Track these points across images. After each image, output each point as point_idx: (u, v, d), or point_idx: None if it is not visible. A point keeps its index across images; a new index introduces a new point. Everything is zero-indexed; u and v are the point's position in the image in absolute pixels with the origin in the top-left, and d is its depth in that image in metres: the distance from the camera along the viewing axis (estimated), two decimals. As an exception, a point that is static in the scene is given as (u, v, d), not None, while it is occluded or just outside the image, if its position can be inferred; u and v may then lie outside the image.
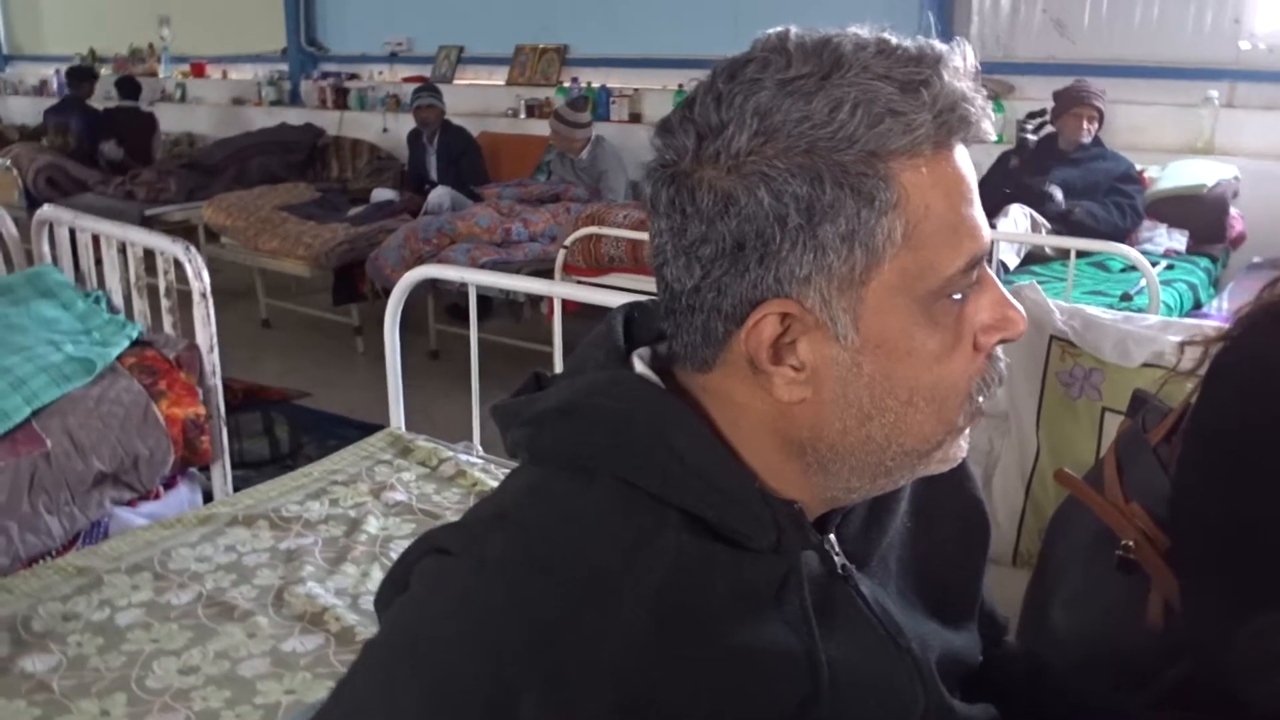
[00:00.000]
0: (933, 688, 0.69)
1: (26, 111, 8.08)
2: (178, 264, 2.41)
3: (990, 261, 3.61)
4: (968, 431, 0.65)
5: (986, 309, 0.61)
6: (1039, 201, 3.71)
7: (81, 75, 6.92)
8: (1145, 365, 1.51)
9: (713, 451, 0.62)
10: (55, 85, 8.00)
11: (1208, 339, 0.99)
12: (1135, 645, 0.96)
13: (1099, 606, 1.03)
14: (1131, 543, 0.97)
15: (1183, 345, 1.05)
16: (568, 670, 0.55)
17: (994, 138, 0.61)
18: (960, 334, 0.61)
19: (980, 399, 0.63)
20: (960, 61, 0.58)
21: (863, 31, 0.59)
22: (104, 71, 8.09)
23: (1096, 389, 1.57)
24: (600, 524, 0.60)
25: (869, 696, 0.65)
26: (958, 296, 0.60)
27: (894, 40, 0.58)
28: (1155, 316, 1.84)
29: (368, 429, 2.40)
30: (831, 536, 0.67)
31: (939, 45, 0.58)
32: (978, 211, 0.60)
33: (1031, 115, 4.14)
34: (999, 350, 0.63)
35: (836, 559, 0.67)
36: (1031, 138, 4.00)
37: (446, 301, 4.50)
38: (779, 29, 0.59)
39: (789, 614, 0.62)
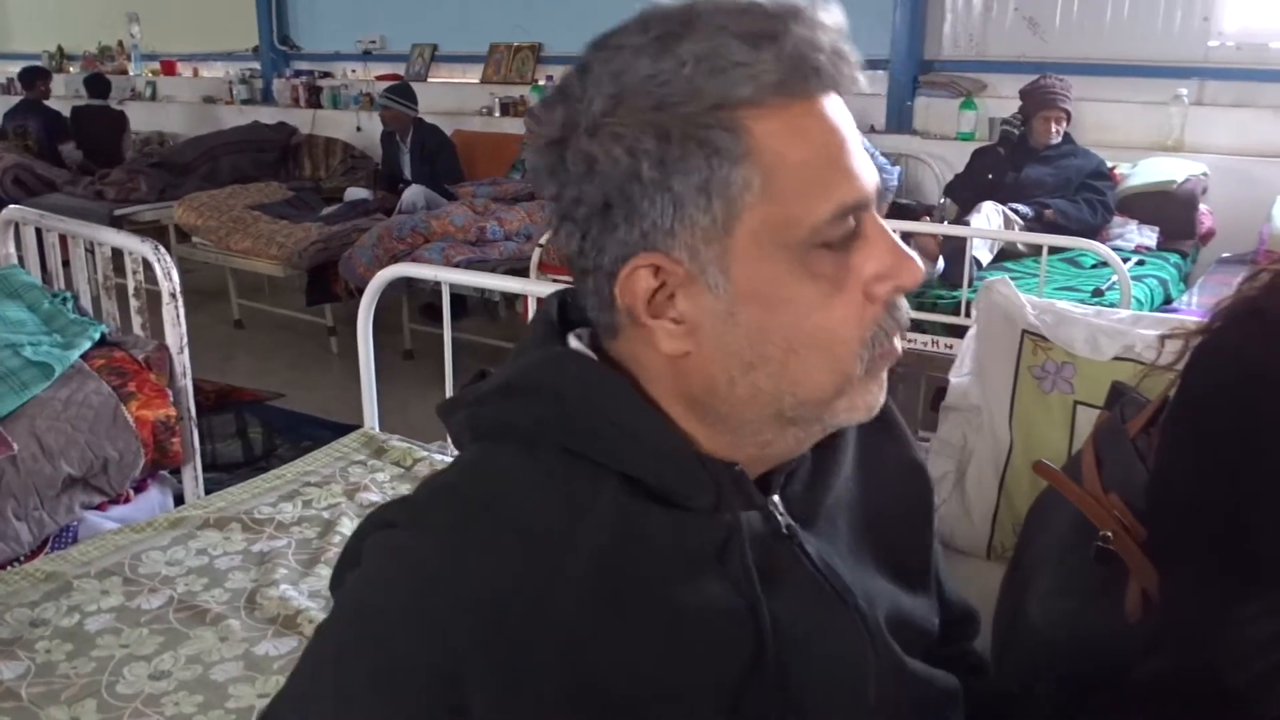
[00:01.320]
0: (881, 643, 0.69)
1: (-8, 111, 7.97)
2: (147, 264, 2.38)
3: (963, 257, 3.57)
4: (883, 379, 0.64)
5: (875, 258, 0.61)
6: (1013, 196, 3.74)
7: (34, 76, 6.78)
8: (1116, 359, 1.52)
9: (648, 416, 0.63)
10: (18, 87, 7.88)
11: (1188, 332, 0.99)
12: (1113, 636, 0.96)
13: (1077, 598, 1.03)
14: (1110, 534, 0.98)
15: (1163, 339, 1.05)
16: (513, 638, 0.56)
17: (861, 86, 0.60)
18: (842, 283, 0.60)
19: (882, 347, 0.62)
20: (824, 16, 0.58)
21: None
22: (73, 69, 7.97)
23: (1068, 383, 1.58)
24: (541, 491, 0.61)
25: (818, 653, 0.65)
26: (836, 245, 0.59)
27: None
28: (1126, 311, 1.86)
29: (342, 430, 2.38)
30: (775, 498, 0.67)
31: (798, 1, 0.58)
32: (851, 159, 0.60)
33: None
34: (900, 299, 0.63)
35: (781, 519, 0.67)
36: (1015, 131, 4.02)
37: (421, 301, 4.48)
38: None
39: (732, 573, 0.63)
